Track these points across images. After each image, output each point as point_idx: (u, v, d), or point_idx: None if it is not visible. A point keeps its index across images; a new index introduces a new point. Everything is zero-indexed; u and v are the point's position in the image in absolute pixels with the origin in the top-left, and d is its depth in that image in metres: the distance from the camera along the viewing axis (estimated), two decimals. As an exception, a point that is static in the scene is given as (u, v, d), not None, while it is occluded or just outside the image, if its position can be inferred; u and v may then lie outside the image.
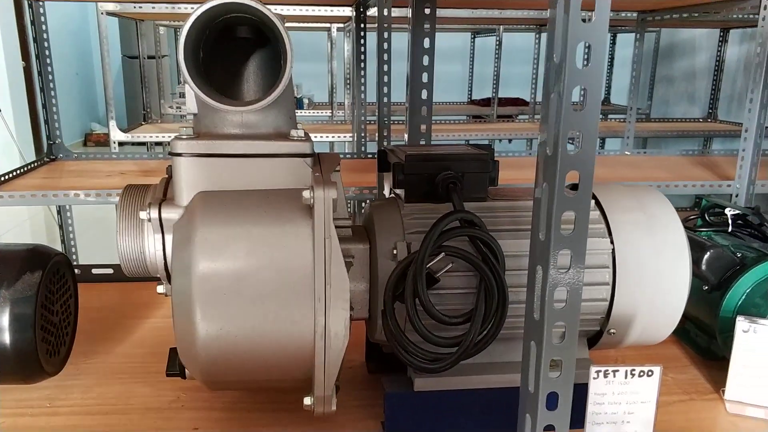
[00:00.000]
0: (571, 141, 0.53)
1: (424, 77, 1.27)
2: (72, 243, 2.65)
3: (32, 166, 2.36)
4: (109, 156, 2.63)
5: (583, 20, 0.51)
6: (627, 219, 0.80)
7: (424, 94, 1.29)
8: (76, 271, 1.35)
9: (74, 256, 2.64)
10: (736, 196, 2.21)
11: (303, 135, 0.75)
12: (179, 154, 0.73)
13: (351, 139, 2.97)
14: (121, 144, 3.38)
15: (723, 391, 0.90)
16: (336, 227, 0.82)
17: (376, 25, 2.18)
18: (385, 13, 1.98)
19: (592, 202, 0.83)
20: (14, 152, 3.51)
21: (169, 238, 0.75)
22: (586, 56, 0.52)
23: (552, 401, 0.58)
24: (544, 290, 0.53)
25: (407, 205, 0.81)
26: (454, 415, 0.79)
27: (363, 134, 2.52)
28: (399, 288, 0.74)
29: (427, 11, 1.23)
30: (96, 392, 0.92)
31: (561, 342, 0.56)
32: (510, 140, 4.11)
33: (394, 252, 0.77)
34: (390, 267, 0.76)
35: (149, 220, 0.75)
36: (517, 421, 0.60)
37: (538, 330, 0.55)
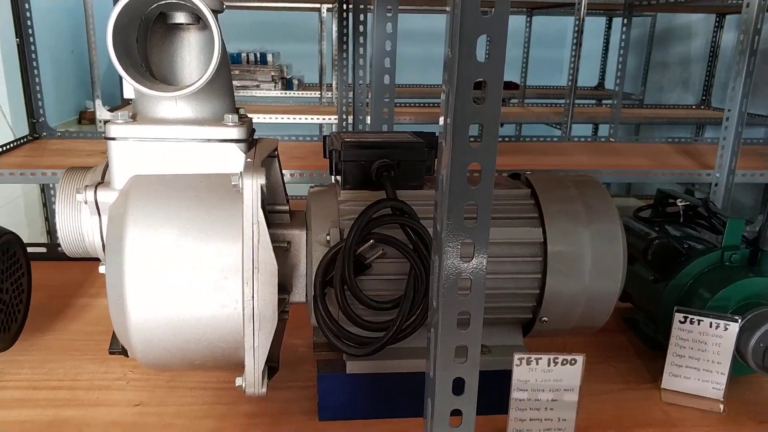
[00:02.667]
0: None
1: (387, 62, 1.27)
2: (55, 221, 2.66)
3: (14, 144, 2.37)
4: (93, 135, 2.63)
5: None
6: (561, 209, 0.81)
7: (387, 79, 1.29)
8: (42, 249, 1.37)
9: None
10: (716, 185, 2.19)
11: (237, 120, 0.76)
12: (113, 139, 0.74)
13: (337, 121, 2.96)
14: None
15: (661, 381, 0.91)
16: (274, 212, 0.83)
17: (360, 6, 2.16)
18: (361, -5, 1.97)
19: (528, 191, 0.84)
20: (8, 129, 3.50)
21: (106, 220, 0.77)
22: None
23: (459, 386, 0.59)
24: (440, 280, 0.54)
25: (344, 192, 0.82)
26: (385, 398, 0.81)
27: (345, 116, 2.51)
28: (329, 273, 0.75)
29: (390, -5, 1.23)
30: (46, 368, 0.93)
31: (466, 330, 0.58)
32: (502, 124, 4.09)
33: (327, 238, 0.78)
34: (323, 252, 0.77)
35: (86, 202, 0.76)
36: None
37: (435, 319, 0.56)
